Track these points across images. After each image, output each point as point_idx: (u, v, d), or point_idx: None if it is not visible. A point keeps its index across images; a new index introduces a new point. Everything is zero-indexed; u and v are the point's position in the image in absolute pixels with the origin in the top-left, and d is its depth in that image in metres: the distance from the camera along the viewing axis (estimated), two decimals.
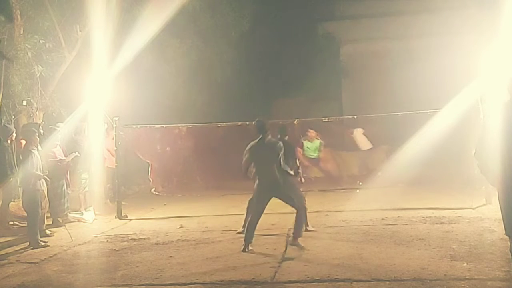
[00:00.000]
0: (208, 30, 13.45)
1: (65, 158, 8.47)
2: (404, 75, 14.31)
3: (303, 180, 7.68)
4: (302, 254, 5.95)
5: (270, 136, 6.39)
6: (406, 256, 5.57)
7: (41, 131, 7.96)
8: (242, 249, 6.14)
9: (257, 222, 6.30)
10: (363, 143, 12.93)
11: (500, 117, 4.82)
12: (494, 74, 7.75)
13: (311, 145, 12.01)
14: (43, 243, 6.98)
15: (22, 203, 7.49)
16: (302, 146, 11.75)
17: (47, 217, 8.08)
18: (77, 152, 8.77)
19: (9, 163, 7.74)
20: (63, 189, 8.46)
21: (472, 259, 5.28)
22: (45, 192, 7.60)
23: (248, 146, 6.36)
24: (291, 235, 6.39)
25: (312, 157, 12.05)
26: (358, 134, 12.80)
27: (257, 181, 6.33)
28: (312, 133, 11.91)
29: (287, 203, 6.31)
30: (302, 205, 6.62)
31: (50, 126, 8.62)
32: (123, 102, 10.09)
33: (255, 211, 6.40)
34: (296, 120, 11.17)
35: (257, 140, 6.33)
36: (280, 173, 6.24)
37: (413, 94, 13.14)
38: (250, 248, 6.17)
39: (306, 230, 6.83)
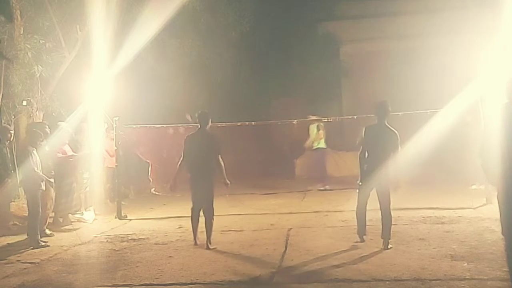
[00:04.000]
0: (208, 30, 13.44)
1: (75, 154, 8.46)
2: (404, 75, 14.32)
3: (228, 182, 6.59)
4: (302, 254, 5.95)
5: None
6: (406, 256, 5.56)
7: (48, 131, 7.95)
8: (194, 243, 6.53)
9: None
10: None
11: (500, 118, 4.82)
12: (494, 74, 7.75)
13: (311, 130, 11.53)
14: (43, 243, 6.98)
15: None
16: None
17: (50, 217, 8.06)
18: (88, 150, 8.79)
19: (6, 163, 7.74)
20: (72, 187, 8.43)
21: (472, 259, 5.28)
22: (51, 193, 7.60)
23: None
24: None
25: (317, 147, 11.53)
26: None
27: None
28: (311, 117, 11.44)
29: (202, 202, 6.51)
30: (211, 215, 6.58)
31: (58, 122, 8.59)
32: (123, 102, 10.09)
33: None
34: (295, 120, 11.18)
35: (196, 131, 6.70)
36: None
37: (413, 94, 13.14)
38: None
39: (208, 248, 6.39)
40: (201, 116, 6.65)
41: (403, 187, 6.22)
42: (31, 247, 6.86)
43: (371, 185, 6.13)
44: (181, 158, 6.61)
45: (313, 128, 11.43)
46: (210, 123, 6.67)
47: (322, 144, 11.48)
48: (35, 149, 7.23)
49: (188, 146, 6.58)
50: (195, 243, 6.55)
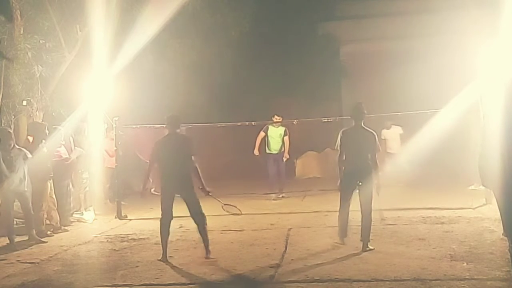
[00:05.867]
0: (208, 30, 13.44)
1: (68, 157, 8.45)
2: (404, 75, 14.29)
3: (207, 188, 6.07)
4: (302, 254, 5.95)
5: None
6: (406, 256, 5.57)
7: (47, 132, 7.95)
8: (160, 258, 5.91)
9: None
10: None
11: (499, 119, 4.83)
12: (494, 75, 7.75)
13: (275, 132, 10.69)
14: (42, 239, 7.10)
15: None
16: (266, 135, 10.72)
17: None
18: (82, 149, 8.78)
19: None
20: (68, 188, 8.45)
21: (472, 259, 5.29)
22: (46, 194, 7.61)
23: None
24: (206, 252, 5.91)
25: (273, 152, 10.72)
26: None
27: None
28: (277, 118, 10.64)
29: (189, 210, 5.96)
30: (203, 221, 6.00)
31: (53, 126, 8.61)
32: (123, 102, 10.09)
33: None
34: (295, 120, 11.16)
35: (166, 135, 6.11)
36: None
37: (413, 94, 13.14)
38: (169, 256, 5.95)
39: (207, 257, 5.85)
40: (170, 120, 6.07)
41: (383, 187, 6.16)
42: (31, 245, 6.87)
43: (353, 187, 6.11)
44: (150, 163, 6.09)
45: (278, 131, 10.72)
46: (179, 128, 6.12)
47: (278, 149, 10.80)
48: (17, 150, 7.20)
49: (157, 152, 6.01)
50: (164, 258, 5.89)
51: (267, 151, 10.85)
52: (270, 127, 10.80)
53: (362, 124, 6.17)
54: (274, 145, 10.78)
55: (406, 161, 10.87)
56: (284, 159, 10.85)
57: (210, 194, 6.14)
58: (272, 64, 15.76)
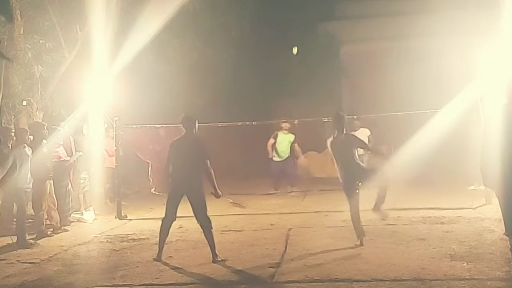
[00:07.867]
0: (208, 30, 13.46)
1: (69, 158, 8.46)
2: (404, 75, 14.30)
3: (219, 193, 6.05)
4: (302, 254, 5.96)
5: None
6: (406, 256, 5.57)
7: (46, 132, 7.95)
8: (155, 257, 5.94)
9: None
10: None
11: (500, 119, 4.83)
12: (494, 75, 7.76)
13: (285, 139, 10.78)
14: (32, 241, 7.02)
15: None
16: (275, 141, 10.75)
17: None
18: (81, 152, 8.78)
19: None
20: (67, 189, 8.45)
21: (472, 259, 5.29)
22: (46, 194, 7.60)
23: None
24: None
25: (280, 159, 10.83)
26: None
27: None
28: (286, 124, 10.74)
29: (195, 213, 5.94)
30: (208, 225, 5.96)
31: (52, 126, 8.61)
32: (123, 102, 10.10)
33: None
34: (296, 120, 11.16)
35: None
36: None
37: (413, 94, 13.13)
38: (169, 256, 6.01)
39: (215, 261, 5.78)
40: (185, 120, 6.07)
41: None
42: (19, 248, 6.84)
43: (356, 187, 6.38)
44: (167, 163, 6.09)
45: (287, 138, 10.77)
46: (196, 128, 6.10)
47: (286, 155, 10.87)
48: (24, 149, 7.19)
49: (172, 152, 6.04)
50: (159, 258, 5.92)
51: (274, 158, 10.85)
52: (279, 133, 10.84)
53: (344, 130, 6.49)
54: (282, 151, 10.81)
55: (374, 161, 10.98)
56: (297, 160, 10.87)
57: (222, 197, 6.19)
58: (272, 64, 15.78)
